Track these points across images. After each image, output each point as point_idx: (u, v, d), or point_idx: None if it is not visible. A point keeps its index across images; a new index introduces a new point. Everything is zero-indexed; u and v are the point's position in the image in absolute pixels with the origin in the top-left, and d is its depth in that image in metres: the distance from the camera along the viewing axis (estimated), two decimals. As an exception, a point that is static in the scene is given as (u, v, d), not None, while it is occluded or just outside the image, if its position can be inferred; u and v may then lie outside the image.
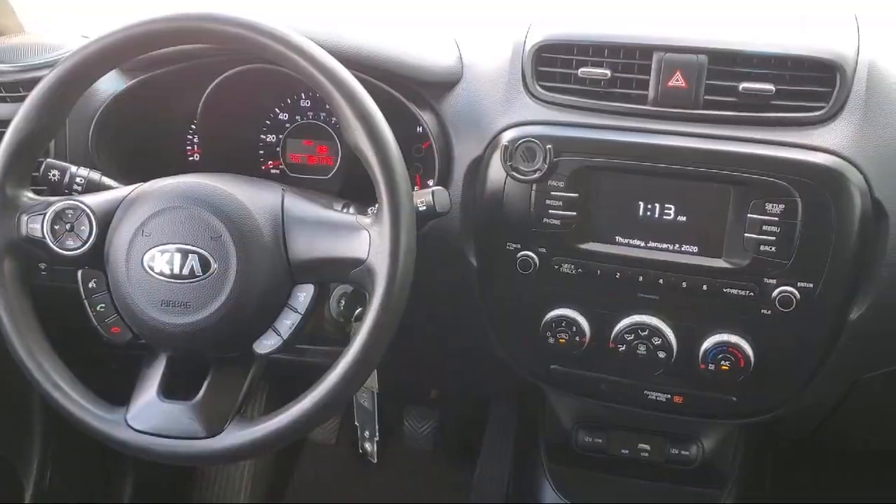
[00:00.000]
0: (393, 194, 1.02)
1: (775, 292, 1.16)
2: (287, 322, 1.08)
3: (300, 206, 1.10)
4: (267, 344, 1.08)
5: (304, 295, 1.08)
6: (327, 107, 1.34)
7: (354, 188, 1.32)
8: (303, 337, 1.22)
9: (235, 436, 1.06)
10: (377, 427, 1.37)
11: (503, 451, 1.90)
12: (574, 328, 1.26)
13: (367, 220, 1.06)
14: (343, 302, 1.29)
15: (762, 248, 1.14)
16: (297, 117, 1.44)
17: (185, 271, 1.05)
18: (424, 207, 1.11)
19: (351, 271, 1.05)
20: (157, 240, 1.06)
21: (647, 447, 1.46)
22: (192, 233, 1.05)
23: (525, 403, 1.62)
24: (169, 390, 1.10)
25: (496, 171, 1.23)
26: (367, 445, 1.41)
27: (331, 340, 1.30)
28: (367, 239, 1.04)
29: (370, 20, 1.41)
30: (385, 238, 1.02)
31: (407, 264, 1.02)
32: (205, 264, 1.05)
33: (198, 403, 1.08)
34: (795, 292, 1.15)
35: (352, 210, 1.20)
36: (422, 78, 1.28)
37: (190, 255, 1.05)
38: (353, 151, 1.04)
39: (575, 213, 1.21)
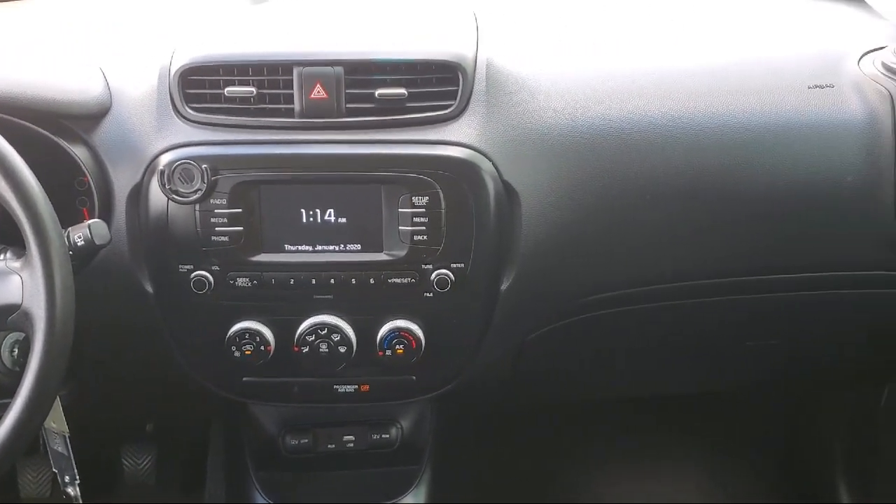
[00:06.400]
0: (38, 233, 1.00)
1: (433, 276, 1.26)
2: None
3: None
4: None
5: None
6: None
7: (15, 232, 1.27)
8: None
9: None
10: (75, 470, 1.33)
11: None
12: (258, 338, 1.29)
13: (17, 264, 1.03)
14: (16, 350, 1.24)
15: (416, 238, 1.24)
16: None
17: None
18: (83, 242, 1.09)
19: (7, 318, 1.02)
20: None
21: (352, 438, 1.53)
22: None
23: (233, 420, 1.64)
24: None
25: (157, 195, 1.23)
26: (70, 490, 1.36)
27: (9, 392, 1.24)
28: (19, 283, 1.01)
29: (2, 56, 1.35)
30: (38, 279, 1.00)
31: (65, 302, 1.00)
32: None
33: None
34: (450, 273, 1.26)
35: (8, 255, 1.15)
36: (66, 111, 1.25)
37: None
38: None
39: (242, 228, 1.24)
